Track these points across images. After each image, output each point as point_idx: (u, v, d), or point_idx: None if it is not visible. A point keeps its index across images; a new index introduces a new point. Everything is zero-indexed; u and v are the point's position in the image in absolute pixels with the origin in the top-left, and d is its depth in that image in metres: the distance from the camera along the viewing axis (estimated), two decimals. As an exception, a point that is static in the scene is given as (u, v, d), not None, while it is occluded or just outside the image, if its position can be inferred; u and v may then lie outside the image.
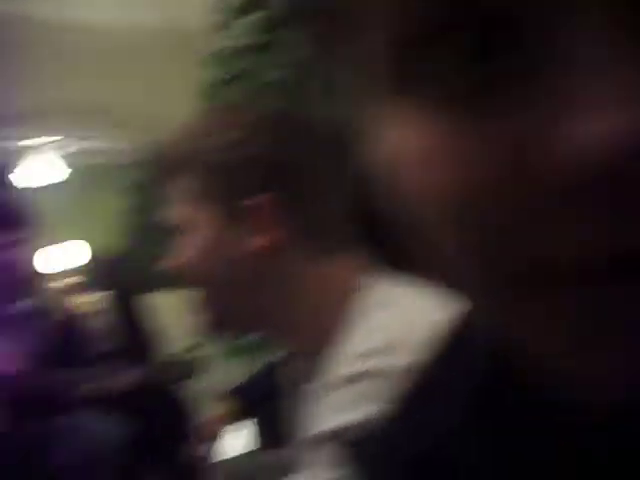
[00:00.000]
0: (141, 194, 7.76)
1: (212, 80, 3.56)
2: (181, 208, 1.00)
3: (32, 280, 2.84)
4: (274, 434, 2.49)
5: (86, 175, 8.82)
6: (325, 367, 0.94)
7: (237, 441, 3.22)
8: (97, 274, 3.31)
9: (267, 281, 0.97)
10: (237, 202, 0.95)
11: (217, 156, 0.96)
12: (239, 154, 0.95)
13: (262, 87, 3.46)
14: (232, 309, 1.01)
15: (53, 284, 2.95)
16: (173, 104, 6.33)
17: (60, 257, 6.47)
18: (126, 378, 2.57)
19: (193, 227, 0.99)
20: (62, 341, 2.76)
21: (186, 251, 1.00)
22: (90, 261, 7.09)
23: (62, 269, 5.34)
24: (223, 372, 3.26)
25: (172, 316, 5.32)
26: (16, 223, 2.74)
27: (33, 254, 2.86)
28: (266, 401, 2.27)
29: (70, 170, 8.18)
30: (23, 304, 2.77)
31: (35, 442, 2.60)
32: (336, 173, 1.00)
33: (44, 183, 7.89)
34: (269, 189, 0.94)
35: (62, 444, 2.55)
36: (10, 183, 7.32)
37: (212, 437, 2.18)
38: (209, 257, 0.98)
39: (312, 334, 0.98)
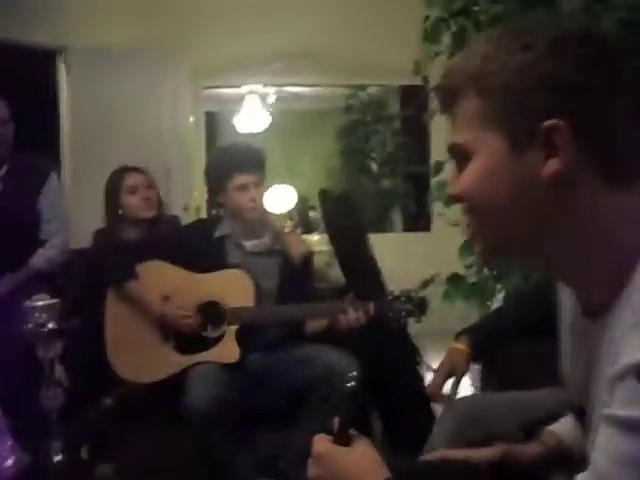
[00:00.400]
0: (354, 136, 7.84)
1: (433, 19, 3.46)
2: (464, 132, 0.95)
3: (267, 219, 2.95)
4: (508, 375, 2.45)
5: (295, 121, 9.07)
6: (620, 303, 0.88)
7: (469, 381, 3.21)
8: (322, 215, 3.37)
9: (556, 209, 0.91)
10: (527, 126, 0.90)
11: (508, 78, 0.90)
12: (532, 76, 0.89)
13: (484, 23, 3.34)
14: (512, 237, 0.96)
15: (279, 224, 3.02)
16: (386, 47, 6.32)
17: (274, 201, 6.72)
18: (354, 314, 2.60)
19: (476, 152, 0.94)
20: (294, 278, 2.88)
21: (468, 176, 0.96)
22: (298, 204, 7.36)
23: (279, 211, 5.55)
24: (453, 311, 3.24)
25: (398, 255, 5.39)
26: (253, 165, 2.84)
27: (264, 195, 2.96)
28: (502, 341, 2.22)
29: (279, 116, 8.42)
30: (257, 242, 2.89)
31: (273, 368, 2.76)
32: (636, 99, 0.92)
33: (255, 129, 8.18)
34: (562, 113, 0.88)
35: (301, 370, 2.68)
36: (234, 129, 7.62)
37: (443, 376, 2.16)
38: (492, 182, 0.93)
39: (603, 267, 0.91)
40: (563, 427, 1.33)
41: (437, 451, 1.46)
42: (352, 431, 1.08)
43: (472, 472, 1.30)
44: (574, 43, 0.90)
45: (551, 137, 0.88)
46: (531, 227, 0.93)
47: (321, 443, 1.07)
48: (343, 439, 1.07)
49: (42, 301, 1.80)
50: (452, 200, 1.00)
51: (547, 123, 0.88)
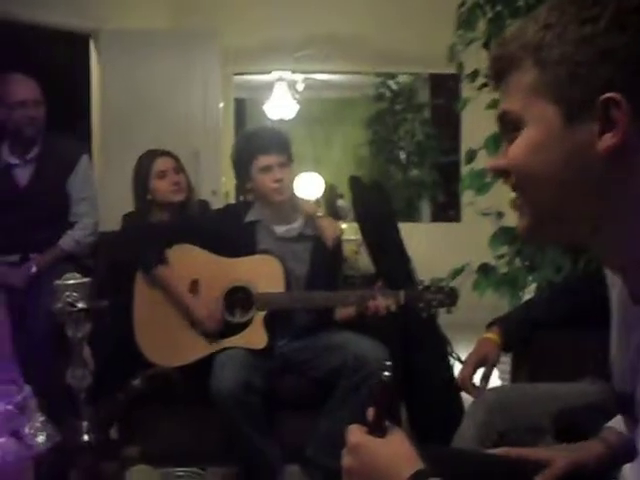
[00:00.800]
0: (383, 125, 7.81)
1: (469, 5, 3.41)
2: (517, 102, 0.93)
3: (297, 204, 2.93)
4: (539, 366, 2.42)
5: (324, 109, 9.04)
6: None
7: (498, 373, 3.18)
8: (353, 202, 3.34)
9: (608, 185, 0.88)
10: (583, 98, 0.87)
11: (567, 49, 0.87)
12: (592, 49, 0.86)
13: (516, 11, 3.28)
14: (559, 213, 0.92)
15: (309, 210, 3.00)
16: (417, 34, 6.26)
17: (303, 188, 6.71)
18: (384, 303, 2.58)
19: (528, 122, 0.91)
20: (324, 264, 2.85)
21: (518, 146, 0.93)
22: (325, 192, 7.33)
23: (308, 198, 5.54)
24: (483, 303, 3.21)
25: (426, 245, 5.35)
26: (275, 146, 2.83)
27: (293, 180, 2.94)
28: (534, 332, 2.18)
29: (308, 104, 8.40)
30: (288, 227, 2.87)
31: (301, 355, 2.76)
32: None
33: (283, 117, 8.17)
34: (620, 87, 0.85)
35: (330, 357, 2.66)
36: (262, 116, 7.60)
37: (474, 366, 2.13)
38: (543, 154, 0.90)
39: None
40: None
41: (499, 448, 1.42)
42: (386, 422, 1.05)
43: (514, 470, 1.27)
44: (637, 16, 0.87)
45: (608, 111, 0.86)
46: (580, 202, 0.90)
47: (356, 433, 1.05)
48: (378, 430, 1.04)
49: (73, 280, 1.80)
50: (497, 173, 0.97)
51: (604, 96, 0.85)
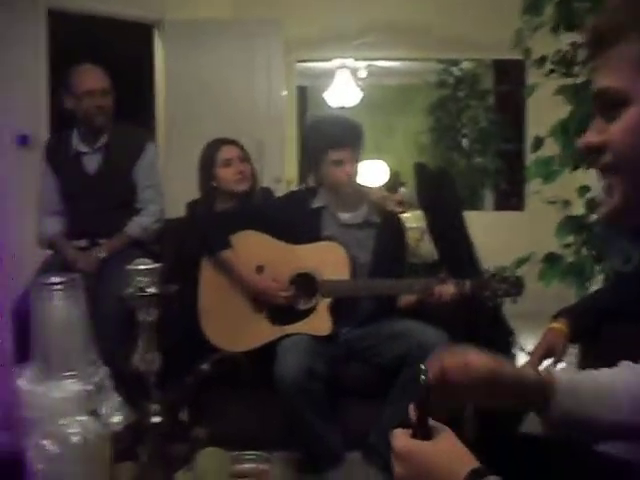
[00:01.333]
0: (446, 112, 7.72)
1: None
2: (621, 78, 0.87)
3: (362, 192, 2.93)
4: (607, 358, 2.37)
5: (386, 95, 8.99)
6: None
7: (566, 364, 3.12)
8: (417, 188, 3.32)
9: None
10: None
11: None
12: None
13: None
14: None
15: (375, 197, 3.01)
16: (481, 20, 6.16)
17: (366, 176, 6.68)
18: (450, 291, 2.56)
19: (634, 99, 0.87)
20: (388, 251, 2.86)
21: (624, 123, 0.88)
22: (389, 179, 7.28)
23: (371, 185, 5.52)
24: (547, 293, 3.16)
25: (489, 234, 5.28)
26: (349, 140, 2.82)
27: (357, 168, 2.94)
28: (603, 322, 2.14)
29: (370, 91, 8.36)
30: (353, 214, 2.88)
31: (365, 342, 2.77)
32: None
33: (345, 104, 8.15)
34: None
35: (394, 345, 2.66)
36: (325, 104, 7.58)
37: (540, 357, 2.10)
38: None
39: None
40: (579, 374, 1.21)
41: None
42: (431, 421, 1.01)
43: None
44: None
45: None
46: None
47: (401, 439, 0.97)
48: (422, 432, 0.97)
49: (143, 265, 1.83)
50: (590, 150, 0.92)
51: None
